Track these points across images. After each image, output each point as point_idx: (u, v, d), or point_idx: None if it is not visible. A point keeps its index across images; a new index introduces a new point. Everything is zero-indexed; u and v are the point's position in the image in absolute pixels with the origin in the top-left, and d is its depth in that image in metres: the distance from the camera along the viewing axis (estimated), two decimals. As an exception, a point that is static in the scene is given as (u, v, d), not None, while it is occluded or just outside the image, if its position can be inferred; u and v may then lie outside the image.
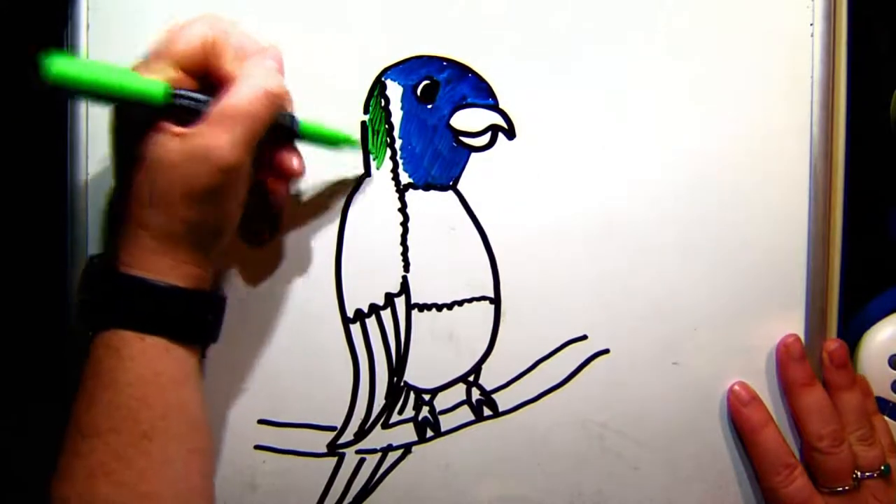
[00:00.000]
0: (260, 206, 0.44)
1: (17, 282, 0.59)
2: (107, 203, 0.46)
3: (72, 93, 0.35)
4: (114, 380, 0.38)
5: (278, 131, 0.41)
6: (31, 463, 0.58)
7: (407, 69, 0.47)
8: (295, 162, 0.43)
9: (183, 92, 0.38)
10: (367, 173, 0.48)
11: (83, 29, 0.47)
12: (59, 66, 0.34)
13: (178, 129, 0.38)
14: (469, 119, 0.47)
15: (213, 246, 0.41)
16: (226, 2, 0.47)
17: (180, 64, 0.38)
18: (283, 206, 0.46)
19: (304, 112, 0.46)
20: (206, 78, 0.39)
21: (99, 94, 0.36)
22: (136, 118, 0.38)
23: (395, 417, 0.49)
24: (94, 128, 0.47)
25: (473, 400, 0.49)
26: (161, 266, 0.39)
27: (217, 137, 0.37)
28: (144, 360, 0.38)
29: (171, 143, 0.37)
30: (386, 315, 0.48)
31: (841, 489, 0.46)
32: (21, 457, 0.59)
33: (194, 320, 0.41)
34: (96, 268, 0.41)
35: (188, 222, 0.38)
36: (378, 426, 0.49)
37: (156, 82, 0.37)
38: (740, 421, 0.48)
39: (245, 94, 0.38)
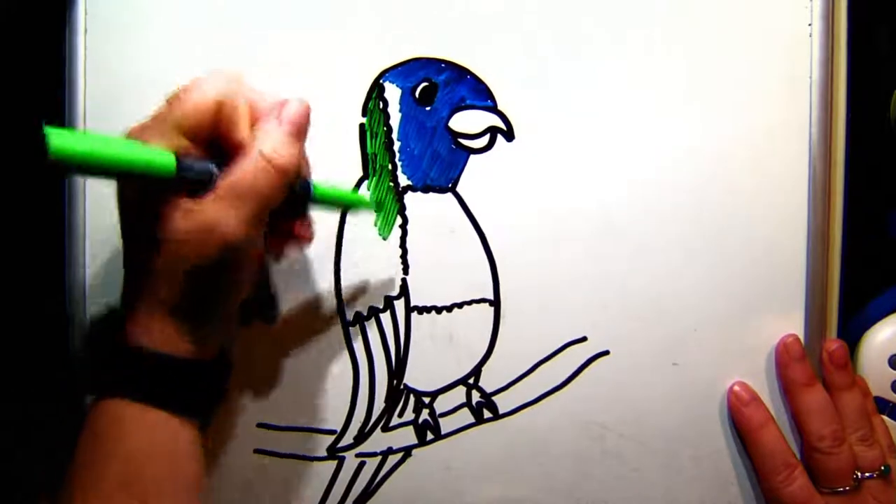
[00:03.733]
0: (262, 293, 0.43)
1: (16, 283, 0.59)
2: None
3: (74, 169, 0.32)
4: (113, 450, 0.37)
5: (290, 199, 0.39)
6: (31, 463, 0.58)
7: (405, 71, 0.47)
8: (305, 229, 0.42)
9: (189, 163, 0.35)
10: (366, 176, 0.48)
11: (81, 34, 0.47)
12: (59, 141, 0.30)
13: (184, 203, 0.36)
14: (468, 121, 0.47)
15: (218, 320, 0.40)
16: (225, 5, 0.47)
17: (188, 130, 0.36)
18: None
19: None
20: (215, 142, 0.37)
21: (103, 169, 0.33)
22: (140, 188, 0.37)
23: (394, 420, 0.49)
24: (94, 127, 0.47)
25: (473, 402, 0.49)
26: (167, 338, 0.38)
27: (224, 214, 0.36)
28: (144, 432, 0.38)
29: (179, 217, 0.36)
30: (385, 318, 0.48)
31: (841, 489, 0.46)
32: (21, 457, 0.59)
33: (198, 394, 0.40)
34: (101, 335, 0.40)
35: (192, 296, 0.37)
36: (378, 429, 0.49)
37: (164, 154, 0.35)
38: (741, 420, 0.48)
39: (254, 169, 0.36)
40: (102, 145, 0.32)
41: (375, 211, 0.47)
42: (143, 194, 0.37)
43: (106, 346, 0.40)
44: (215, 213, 0.36)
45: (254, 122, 0.38)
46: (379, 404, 0.49)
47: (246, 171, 0.36)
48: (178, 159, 0.35)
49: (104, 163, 0.32)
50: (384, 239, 0.48)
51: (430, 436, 0.49)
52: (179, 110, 0.36)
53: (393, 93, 0.47)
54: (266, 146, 0.37)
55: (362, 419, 0.49)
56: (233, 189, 0.36)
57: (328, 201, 0.43)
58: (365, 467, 0.49)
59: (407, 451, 0.49)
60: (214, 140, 0.37)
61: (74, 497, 0.37)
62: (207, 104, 0.36)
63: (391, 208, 0.48)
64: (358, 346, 0.48)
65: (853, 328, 0.52)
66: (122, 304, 0.39)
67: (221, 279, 0.38)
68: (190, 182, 0.36)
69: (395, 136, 0.47)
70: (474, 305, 0.48)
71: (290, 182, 0.38)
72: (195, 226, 0.36)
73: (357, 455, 0.49)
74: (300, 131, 0.38)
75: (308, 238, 0.43)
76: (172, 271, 0.37)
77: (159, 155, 0.34)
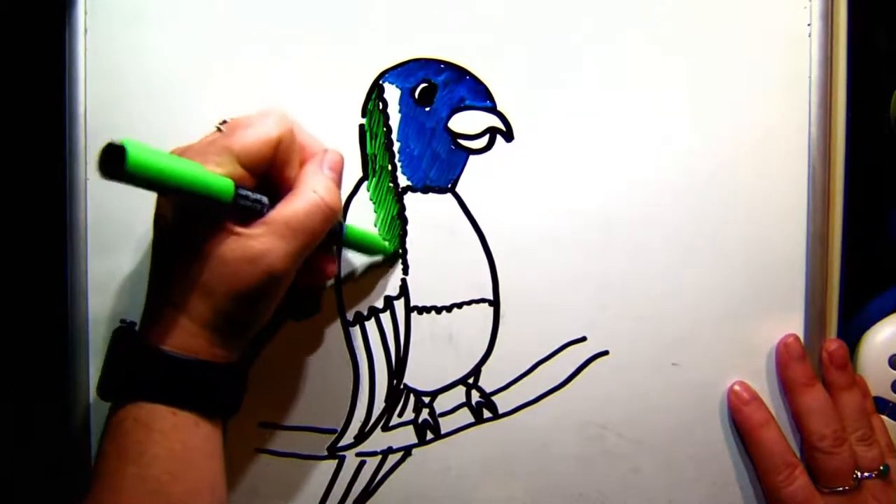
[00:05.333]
0: (300, 292, 0.44)
1: (17, 284, 0.59)
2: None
3: (143, 182, 0.32)
4: (142, 453, 0.38)
5: (326, 238, 0.41)
6: (31, 463, 0.58)
7: (405, 72, 0.47)
8: (332, 266, 0.44)
9: (246, 192, 0.37)
10: (366, 176, 0.48)
11: (81, 34, 0.47)
12: (137, 155, 0.31)
13: (237, 229, 0.38)
14: (467, 121, 0.47)
15: (246, 337, 0.42)
16: (224, 6, 0.47)
17: (248, 162, 0.38)
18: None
19: (303, 115, 0.46)
20: (266, 175, 0.39)
21: (168, 186, 0.34)
22: (182, 208, 0.38)
23: (394, 420, 0.49)
24: (94, 128, 0.47)
25: (473, 402, 0.49)
26: (194, 346, 0.39)
27: (274, 245, 0.38)
28: (175, 435, 0.38)
29: (228, 240, 0.37)
30: (385, 318, 0.48)
31: (841, 489, 0.46)
32: (21, 457, 0.59)
33: (223, 395, 0.41)
34: (126, 341, 0.41)
35: (228, 316, 0.39)
36: (378, 429, 0.49)
37: (224, 180, 0.36)
38: (741, 420, 0.48)
39: (307, 207, 0.38)
40: (173, 163, 0.34)
41: (391, 257, 0.48)
42: (185, 214, 0.38)
43: (124, 352, 0.40)
44: (266, 244, 0.38)
45: (301, 163, 0.41)
46: (379, 404, 0.49)
47: (299, 207, 0.38)
48: (236, 187, 0.36)
49: (171, 180, 0.33)
50: (389, 249, 0.48)
51: (429, 435, 0.49)
52: (240, 140, 0.38)
53: (392, 93, 0.47)
54: (317, 186, 0.39)
55: (362, 419, 0.49)
56: (287, 223, 0.38)
57: (355, 243, 0.45)
58: (365, 467, 0.49)
59: (407, 451, 0.49)
60: (266, 175, 0.39)
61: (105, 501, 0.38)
62: (271, 140, 0.38)
63: (391, 209, 0.48)
64: (358, 346, 0.48)
65: (853, 328, 0.52)
66: (145, 310, 0.40)
67: (257, 303, 0.39)
68: (241, 210, 0.37)
69: (394, 136, 0.47)
70: (474, 305, 0.48)
71: (333, 221, 0.40)
72: (244, 253, 0.37)
73: (357, 454, 0.49)
74: (340, 177, 0.41)
75: (332, 274, 0.45)
76: (212, 290, 0.38)
77: (220, 181, 0.36)
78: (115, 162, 0.31)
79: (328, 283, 0.48)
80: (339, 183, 0.41)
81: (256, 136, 0.38)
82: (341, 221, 0.43)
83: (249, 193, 0.37)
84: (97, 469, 0.38)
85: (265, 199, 0.38)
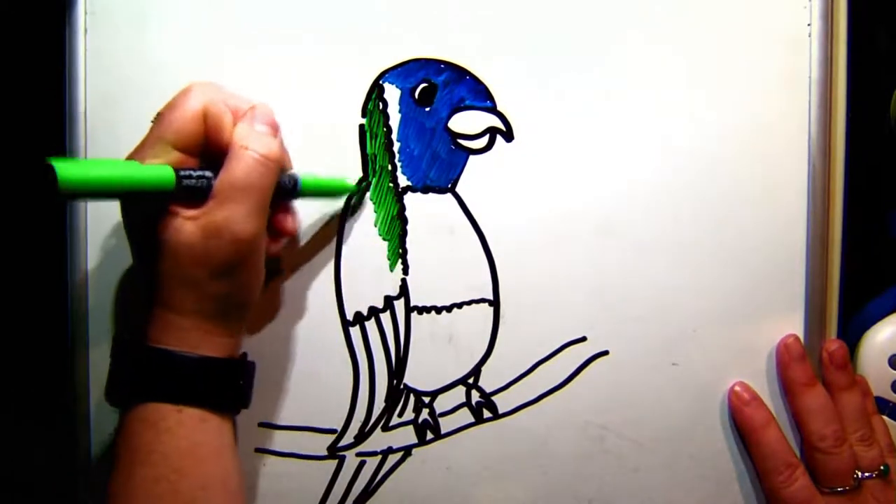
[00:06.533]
0: None
1: (17, 283, 0.59)
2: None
3: (81, 196, 0.33)
4: (151, 452, 0.38)
5: (279, 193, 0.41)
6: (31, 463, 0.58)
7: (405, 72, 0.47)
8: (290, 222, 0.44)
9: (187, 172, 0.37)
10: (366, 176, 0.48)
11: (81, 34, 0.47)
12: (67, 172, 0.32)
13: (190, 212, 0.38)
14: (467, 121, 0.47)
15: (241, 316, 0.42)
16: (225, 5, 0.47)
17: (179, 143, 0.38)
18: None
19: (303, 115, 0.46)
20: (206, 149, 0.39)
21: (109, 192, 0.35)
22: (145, 205, 0.38)
23: (394, 420, 0.49)
24: (94, 129, 0.47)
25: (473, 402, 0.49)
26: (192, 340, 0.39)
27: (230, 212, 0.38)
28: (182, 432, 0.38)
29: (187, 225, 0.38)
30: (385, 318, 0.48)
31: (842, 489, 0.46)
32: (21, 457, 0.59)
33: (228, 389, 0.41)
34: (126, 345, 0.41)
35: (215, 298, 0.39)
36: (378, 429, 0.49)
37: (162, 168, 0.37)
38: (742, 420, 0.48)
39: (244, 164, 0.38)
40: (106, 169, 0.34)
41: (357, 192, 0.48)
42: (148, 211, 0.38)
43: (125, 355, 0.41)
44: (222, 213, 0.38)
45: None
46: (379, 404, 0.49)
47: (237, 167, 0.38)
48: (175, 171, 0.37)
49: (109, 186, 0.34)
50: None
51: (429, 435, 0.49)
52: (168, 126, 0.38)
53: (392, 93, 0.47)
54: (250, 142, 0.39)
55: (362, 419, 0.49)
56: (230, 187, 0.38)
57: (317, 191, 0.45)
58: (365, 467, 0.49)
59: (407, 451, 0.49)
60: (206, 149, 0.39)
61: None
62: (195, 114, 0.38)
63: (391, 209, 0.48)
64: (358, 346, 0.48)
65: (853, 328, 0.52)
66: (141, 314, 0.40)
67: (240, 275, 0.39)
68: (191, 191, 0.37)
69: (394, 136, 0.47)
70: (474, 305, 0.48)
71: (278, 171, 0.40)
72: (205, 229, 0.38)
73: (357, 454, 0.49)
74: (273, 126, 0.41)
75: (293, 232, 0.44)
76: (190, 279, 0.38)
77: (158, 170, 0.36)
78: (46, 184, 0.31)
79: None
80: (273, 131, 0.41)
81: (180, 115, 0.38)
82: (295, 176, 0.43)
83: (192, 172, 0.38)
84: (112, 472, 0.39)
85: (209, 173, 0.38)
